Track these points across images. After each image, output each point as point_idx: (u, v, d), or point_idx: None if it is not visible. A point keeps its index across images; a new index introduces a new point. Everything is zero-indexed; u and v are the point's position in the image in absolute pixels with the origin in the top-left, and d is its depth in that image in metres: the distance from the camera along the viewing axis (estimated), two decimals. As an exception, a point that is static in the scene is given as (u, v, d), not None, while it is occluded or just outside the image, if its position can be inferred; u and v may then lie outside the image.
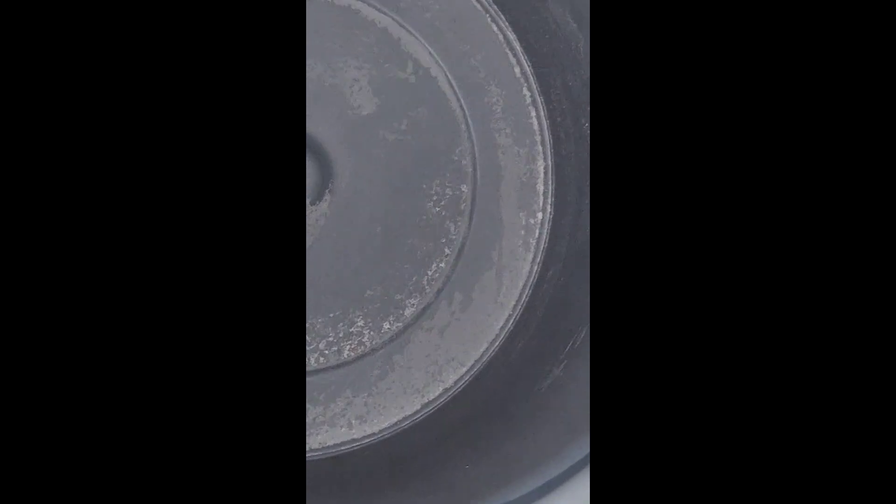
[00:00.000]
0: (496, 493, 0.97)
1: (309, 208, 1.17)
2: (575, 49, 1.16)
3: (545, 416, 1.09)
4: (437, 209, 1.20)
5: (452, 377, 1.20)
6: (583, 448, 0.94)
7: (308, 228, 1.17)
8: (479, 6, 1.20)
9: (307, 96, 1.15)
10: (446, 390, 1.20)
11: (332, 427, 1.18)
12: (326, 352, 1.18)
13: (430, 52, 1.20)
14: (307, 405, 1.17)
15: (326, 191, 1.18)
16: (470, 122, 1.20)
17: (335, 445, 1.17)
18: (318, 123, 1.16)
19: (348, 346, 1.18)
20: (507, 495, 0.95)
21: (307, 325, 1.17)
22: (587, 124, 1.17)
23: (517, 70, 1.22)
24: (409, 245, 1.20)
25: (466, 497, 1.01)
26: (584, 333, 1.11)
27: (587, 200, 1.18)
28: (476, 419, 1.17)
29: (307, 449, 1.15)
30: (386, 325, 1.19)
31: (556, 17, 1.17)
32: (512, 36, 1.21)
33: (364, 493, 1.10)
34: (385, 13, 1.18)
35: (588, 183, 1.17)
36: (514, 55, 1.21)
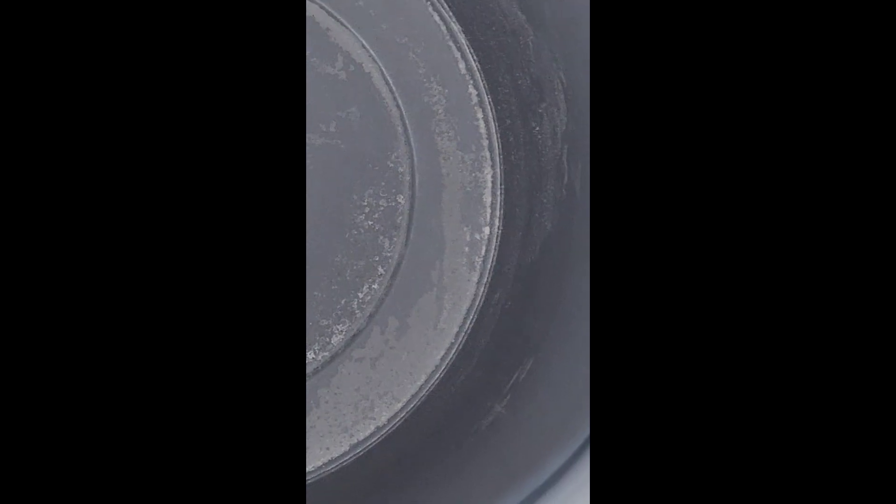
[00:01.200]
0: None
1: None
2: (524, 44, 1.12)
3: (482, 460, 1.03)
4: (370, 223, 1.15)
5: (385, 414, 1.14)
6: (520, 494, 0.87)
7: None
8: (420, -7, 1.17)
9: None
10: (379, 429, 1.14)
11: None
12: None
13: (362, 45, 1.15)
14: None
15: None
16: (408, 123, 1.15)
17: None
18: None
19: (266, 378, 1.13)
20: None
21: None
22: (538, 128, 1.13)
23: (462, 66, 1.17)
24: (336, 263, 1.14)
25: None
26: (531, 365, 1.07)
27: (538, 215, 1.14)
28: (409, 463, 1.12)
29: None
30: (310, 355, 1.13)
31: (504, 8, 1.12)
32: (456, 27, 1.16)
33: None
34: None
35: (539, 194, 1.14)
36: (459, 48, 1.16)
